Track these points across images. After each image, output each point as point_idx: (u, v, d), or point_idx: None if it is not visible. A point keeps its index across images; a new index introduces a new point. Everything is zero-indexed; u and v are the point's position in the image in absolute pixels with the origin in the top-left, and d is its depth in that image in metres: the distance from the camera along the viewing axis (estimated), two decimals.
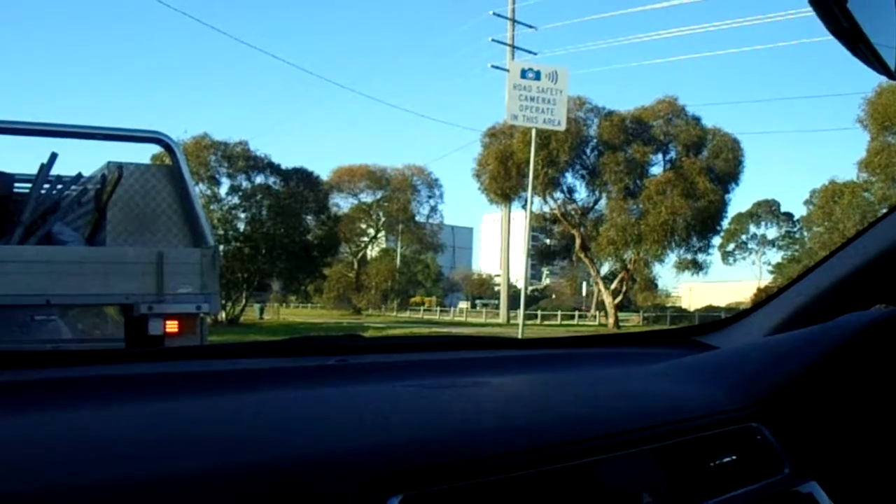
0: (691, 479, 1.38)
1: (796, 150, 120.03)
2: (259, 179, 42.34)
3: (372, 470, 1.08)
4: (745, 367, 1.72)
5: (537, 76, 21.13)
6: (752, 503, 1.42)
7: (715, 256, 49.66)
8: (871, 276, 1.84)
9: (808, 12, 1.28)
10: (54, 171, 7.96)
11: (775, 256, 65.62)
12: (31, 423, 1.12)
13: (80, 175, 8.19)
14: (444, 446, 1.18)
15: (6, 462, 0.96)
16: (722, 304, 52.22)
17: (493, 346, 2.19)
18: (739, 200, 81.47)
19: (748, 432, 1.52)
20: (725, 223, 45.43)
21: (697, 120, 38.70)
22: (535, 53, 38.35)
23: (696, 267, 41.49)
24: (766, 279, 59.16)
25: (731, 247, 65.71)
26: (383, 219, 60.88)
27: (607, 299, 41.77)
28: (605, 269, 44.04)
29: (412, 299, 70.98)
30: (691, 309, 56.78)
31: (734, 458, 1.46)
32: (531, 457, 1.22)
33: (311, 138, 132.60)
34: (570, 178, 39.29)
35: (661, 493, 1.31)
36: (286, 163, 44.02)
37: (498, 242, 64.18)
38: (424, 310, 67.44)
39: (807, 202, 50.56)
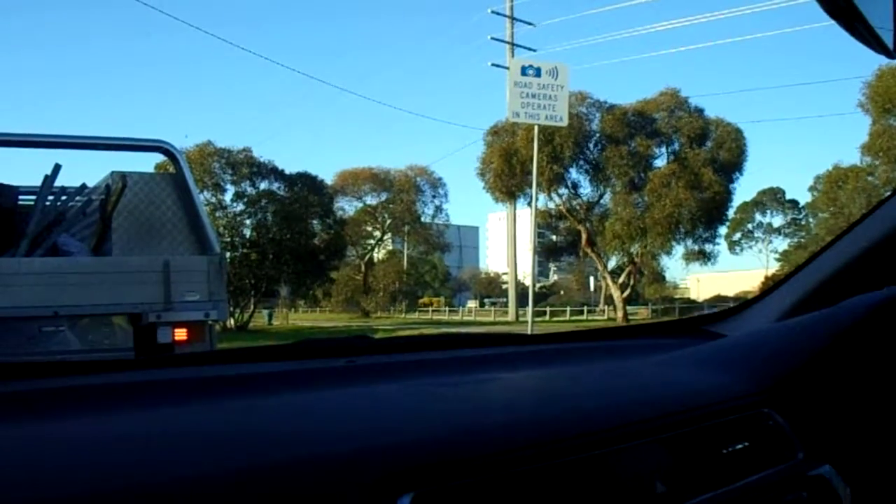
0: (704, 466, 1.38)
1: (799, 137, 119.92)
2: (263, 185, 42.55)
3: (382, 469, 1.07)
4: (756, 354, 1.71)
5: (538, 73, 21.05)
6: (766, 489, 1.42)
7: (722, 246, 49.62)
8: (879, 258, 1.83)
9: None
10: (58, 182, 7.97)
11: (782, 244, 65.69)
12: (43, 432, 1.12)
13: (84, 186, 8.21)
14: (455, 443, 1.18)
15: (19, 470, 0.97)
16: (730, 293, 52.19)
17: (502, 343, 2.19)
18: (744, 189, 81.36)
19: (760, 418, 1.52)
20: (731, 213, 45.39)
21: (700, 111, 38.67)
22: (534, 50, 38.20)
23: (704, 257, 41.46)
24: (774, 267, 59.23)
25: (737, 236, 65.71)
26: (389, 221, 60.97)
27: (615, 293, 41.77)
28: (612, 264, 44.06)
29: (420, 300, 71.03)
30: (700, 300, 56.77)
31: (747, 444, 1.46)
32: (543, 450, 1.21)
33: (314, 143, 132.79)
34: (574, 173, 39.34)
35: (674, 481, 1.31)
36: (290, 168, 44.22)
37: (504, 240, 64.19)
38: (433, 310, 67.46)
39: (811, 188, 50.70)
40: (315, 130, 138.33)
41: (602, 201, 40.68)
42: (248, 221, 42.21)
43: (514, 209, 47.76)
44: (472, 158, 52.79)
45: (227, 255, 22.60)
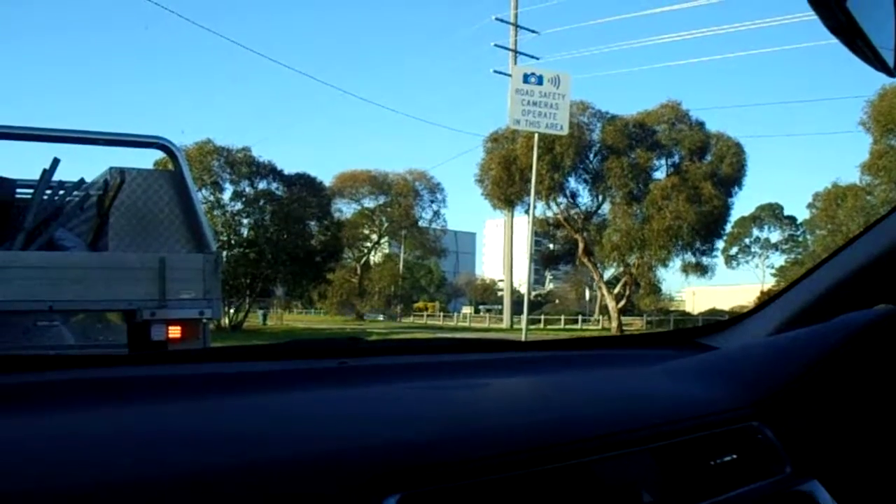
0: (692, 478, 1.38)
1: (799, 154, 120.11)
2: (262, 185, 42.50)
3: (369, 470, 1.08)
4: (747, 367, 1.72)
5: (540, 81, 21.07)
6: (753, 502, 1.42)
7: (718, 260, 49.65)
8: (873, 276, 1.83)
9: (811, 15, 1.28)
10: (56, 176, 7.96)
11: (778, 260, 65.75)
12: (34, 425, 1.12)
13: (82, 180, 8.19)
14: (442, 446, 1.18)
15: (11, 462, 0.97)
16: (725, 307, 52.14)
17: (494, 349, 2.19)
18: (742, 204, 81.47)
19: (749, 431, 1.52)
20: (729, 227, 45.35)
21: (701, 124, 38.57)
22: (537, 58, 38.31)
23: (701, 270, 41.38)
24: (770, 282, 59.18)
25: (734, 250, 65.75)
26: (386, 224, 60.96)
27: (611, 303, 41.69)
28: (608, 274, 43.98)
29: (415, 304, 71.02)
30: (695, 312, 56.73)
31: (735, 457, 1.46)
32: (530, 456, 1.22)
33: (314, 144, 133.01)
34: (573, 182, 39.24)
35: (661, 492, 1.31)
36: (289, 168, 44.20)
37: (501, 247, 64.24)
38: (427, 315, 67.44)
39: (810, 205, 50.66)
40: (315, 132, 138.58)
41: (600, 211, 40.64)
42: (245, 221, 42.18)
43: (512, 216, 47.77)
44: (472, 164, 52.83)
45: (224, 253, 22.60)
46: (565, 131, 23.22)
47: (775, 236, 66.77)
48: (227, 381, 1.48)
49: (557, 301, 71.74)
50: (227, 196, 41.99)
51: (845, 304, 1.77)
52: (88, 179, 8.24)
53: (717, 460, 1.43)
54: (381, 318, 62.62)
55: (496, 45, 40.33)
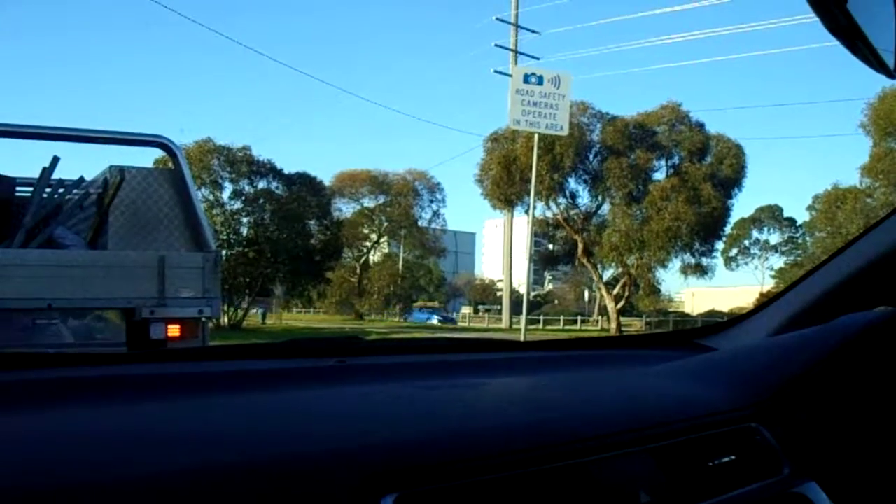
0: (690, 478, 1.38)
1: (799, 156, 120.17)
2: (262, 184, 42.48)
3: (367, 469, 1.08)
4: (745, 368, 1.72)
5: (540, 81, 21.05)
6: (750, 503, 1.42)
7: (718, 261, 49.64)
8: (873, 278, 1.83)
9: (811, 17, 1.28)
10: (56, 174, 7.94)
11: (778, 262, 65.68)
12: (34, 422, 1.12)
13: (82, 179, 8.17)
14: (441, 445, 1.18)
15: (9, 460, 0.97)
16: (725, 308, 52.14)
17: (493, 349, 2.19)
18: (742, 205, 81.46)
19: (747, 432, 1.52)
20: (728, 228, 45.33)
21: (701, 126, 38.55)
22: (538, 58, 38.23)
23: (701, 271, 41.40)
24: (769, 284, 59.16)
25: (734, 252, 65.68)
26: (385, 223, 60.94)
27: (610, 304, 41.71)
28: (607, 275, 44.00)
29: (414, 304, 70.97)
30: (694, 314, 56.77)
31: (733, 458, 1.46)
32: (528, 456, 1.22)
33: (314, 143, 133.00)
34: (572, 183, 39.21)
35: (659, 492, 1.31)
36: (289, 167, 44.20)
37: (500, 247, 64.24)
38: None
39: (809, 207, 50.74)
40: (315, 131, 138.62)
41: (600, 212, 40.62)
42: (245, 220, 42.17)
43: (512, 216, 47.76)
44: (472, 164, 52.88)
45: (223, 252, 22.59)
46: (565, 132, 23.21)
47: (775, 238, 66.78)
48: (226, 379, 1.48)
49: (557, 301, 71.77)
50: (226, 195, 42.04)
51: (844, 305, 1.76)
52: (88, 178, 8.23)
53: (716, 461, 1.43)
54: (434, 319, 61.19)
55: (496, 45, 40.33)
